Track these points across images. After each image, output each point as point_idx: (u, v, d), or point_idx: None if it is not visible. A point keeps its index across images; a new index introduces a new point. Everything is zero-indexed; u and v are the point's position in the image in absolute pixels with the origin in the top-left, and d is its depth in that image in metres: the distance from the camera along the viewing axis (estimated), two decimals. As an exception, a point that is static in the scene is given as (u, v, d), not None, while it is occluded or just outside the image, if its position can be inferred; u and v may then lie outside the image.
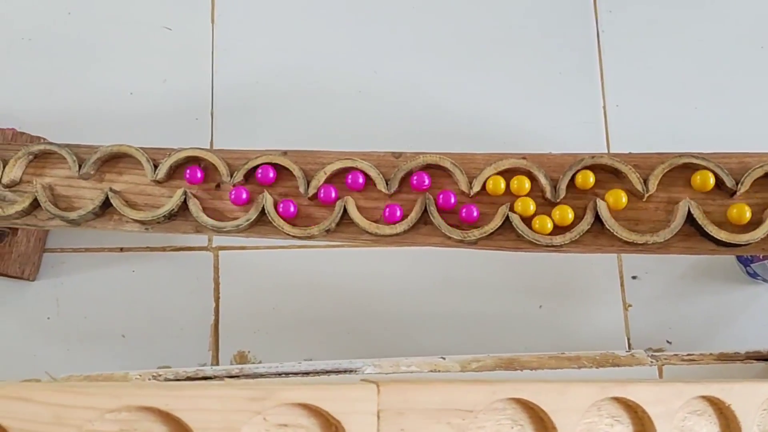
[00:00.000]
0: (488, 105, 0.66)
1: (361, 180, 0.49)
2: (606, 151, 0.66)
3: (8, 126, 0.59)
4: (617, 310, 0.62)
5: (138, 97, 0.64)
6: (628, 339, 0.62)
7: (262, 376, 0.40)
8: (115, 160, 0.51)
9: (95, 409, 0.25)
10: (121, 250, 0.60)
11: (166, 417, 0.26)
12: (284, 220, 0.48)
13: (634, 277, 0.63)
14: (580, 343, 0.61)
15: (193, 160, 0.51)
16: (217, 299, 0.60)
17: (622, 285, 0.63)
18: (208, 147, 0.63)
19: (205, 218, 0.48)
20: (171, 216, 0.49)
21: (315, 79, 0.66)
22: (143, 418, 0.26)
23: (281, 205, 0.48)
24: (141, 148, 0.50)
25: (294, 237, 0.48)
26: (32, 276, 0.58)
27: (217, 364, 0.59)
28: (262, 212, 0.48)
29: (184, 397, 0.26)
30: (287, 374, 0.40)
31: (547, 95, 0.67)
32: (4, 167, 0.51)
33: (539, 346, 0.61)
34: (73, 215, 0.49)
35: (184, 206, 0.49)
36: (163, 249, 0.61)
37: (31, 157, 0.51)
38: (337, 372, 0.41)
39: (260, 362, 0.59)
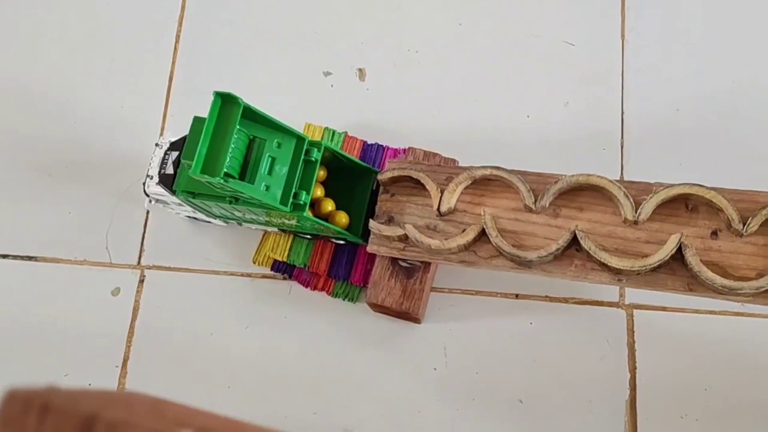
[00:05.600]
0: None
1: None
2: None
3: (401, 146, 0.53)
4: None
5: (535, 120, 0.56)
6: None
7: None
8: (573, 192, 0.42)
9: None
10: (517, 296, 0.51)
11: None
12: (829, 287, 0.36)
13: None
14: None
15: (679, 199, 0.40)
16: (633, 370, 0.49)
17: None
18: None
19: (710, 275, 0.37)
20: (657, 267, 0.39)
21: (749, 107, 0.54)
22: None
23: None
24: (617, 181, 0.41)
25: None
26: (421, 318, 0.50)
27: (635, 451, 0.47)
28: (795, 274, 0.36)
29: None
30: None
31: None
32: (442, 192, 0.43)
33: None
34: (530, 255, 0.40)
35: (674, 256, 0.39)
36: (565, 300, 0.51)
37: (469, 182, 0.44)
38: None
39: (690, 456, 0.47)
